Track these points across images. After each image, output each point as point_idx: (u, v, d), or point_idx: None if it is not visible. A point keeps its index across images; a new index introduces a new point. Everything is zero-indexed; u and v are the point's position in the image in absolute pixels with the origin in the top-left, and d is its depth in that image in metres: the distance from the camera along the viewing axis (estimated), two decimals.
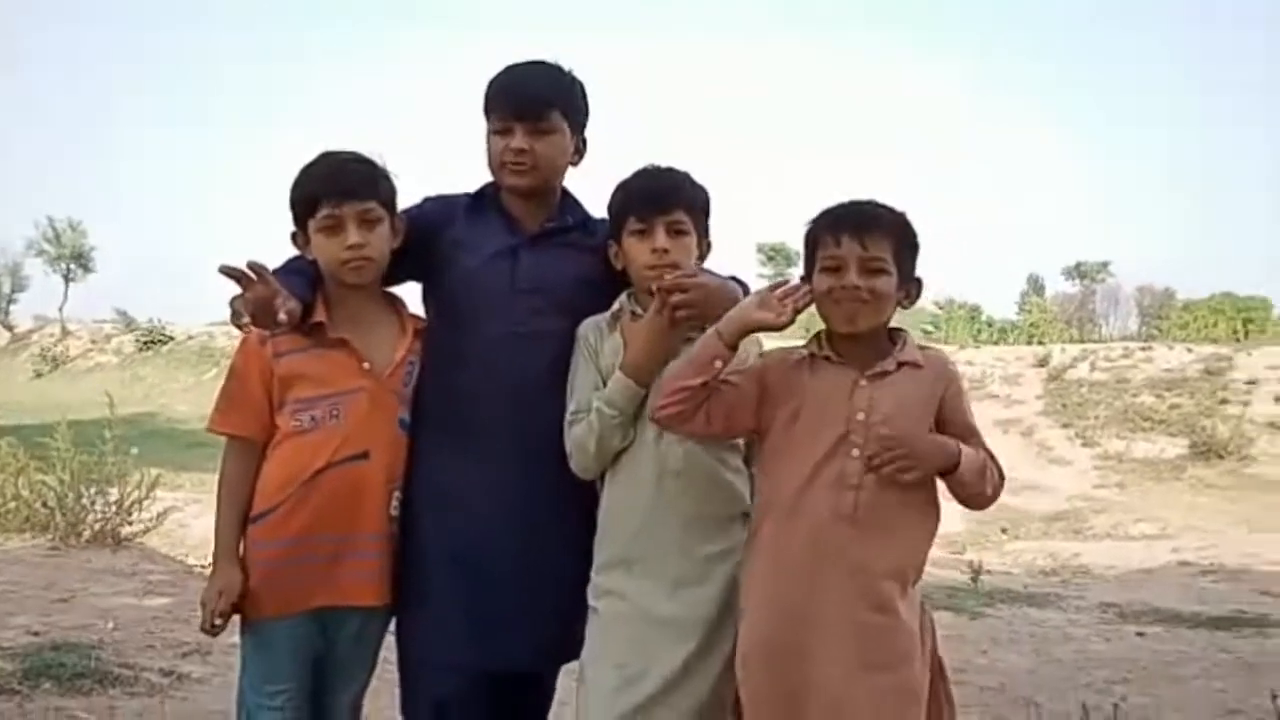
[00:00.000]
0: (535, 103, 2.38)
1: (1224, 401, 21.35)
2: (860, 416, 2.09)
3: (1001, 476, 2.17)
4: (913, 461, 2.05)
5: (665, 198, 2.28)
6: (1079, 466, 19.70)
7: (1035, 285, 53.26)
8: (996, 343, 33.45)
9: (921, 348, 2.21)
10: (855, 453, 2.08)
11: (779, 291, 2.13)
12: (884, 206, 2.15)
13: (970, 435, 2.16)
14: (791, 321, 2.16)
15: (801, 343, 2.24)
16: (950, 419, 2.15)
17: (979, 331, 37.53)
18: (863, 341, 2.15)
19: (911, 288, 2.18)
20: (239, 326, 2.20)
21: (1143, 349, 25.85)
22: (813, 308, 2.17)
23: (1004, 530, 14.50)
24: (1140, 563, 11.21)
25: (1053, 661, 5.77)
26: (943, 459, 2.07)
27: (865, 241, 2.08)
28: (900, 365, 2.14)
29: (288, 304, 2.18)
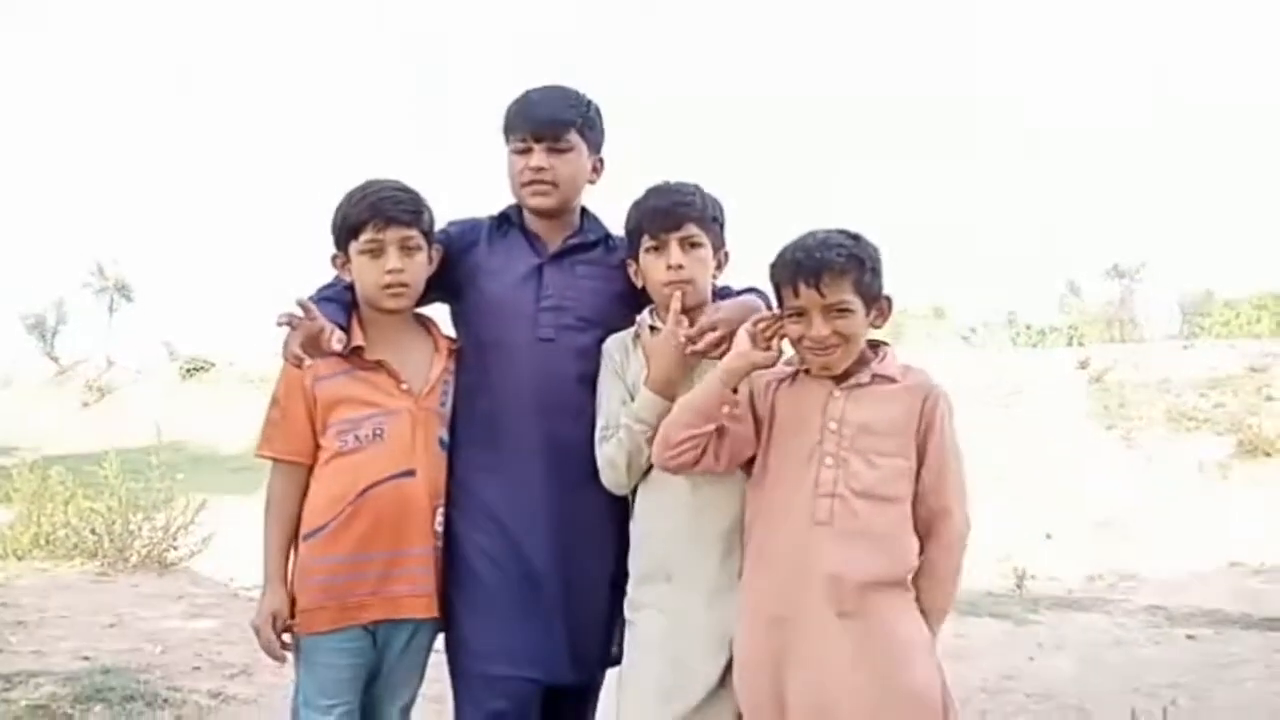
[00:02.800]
0: (553, 123, 2.45)
1: (1269, 399, 20.98)
2: (833, 426, 2.13)
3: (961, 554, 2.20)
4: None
5: (676, 214, 2.32)
6: (1123, 469, 19.41)
7: (1073, 287, 52.71)
8: (1036, 346, 33.10)
9: (908, 365, 2.22)
10: (830, 461, 2.12)
11: (760, 327, 2.17)
12: (836, 241, 2.13)
13: (944, 468, 2.16)
14: (780, 353, 2.21)
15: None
16: (927, 441, 2.16)
17: (1017, 335, 37.17)
18: None
19: (882, 305, 2.19)
20: (299, 366, 2.27)
21: (1185, 348, 25.48)
22: None
23: (1049, 536, 14.35)
24: (1188, 564, 11.03)
25: (1101, 667, 5.69)
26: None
27: (823, 289, 2.09)
28: (875, 378, 2.16)
29: (334, 333, 2.27)
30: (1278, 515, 14.94)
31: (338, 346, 2.28)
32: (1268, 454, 18.57)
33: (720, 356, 2.23)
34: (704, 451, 2.16)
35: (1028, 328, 39.27)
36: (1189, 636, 6.55)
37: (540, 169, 2.44)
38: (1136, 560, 11.77)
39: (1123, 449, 20.61)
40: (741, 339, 2.17)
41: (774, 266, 2.18)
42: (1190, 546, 12.50)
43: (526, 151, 2.45)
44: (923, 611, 2.15)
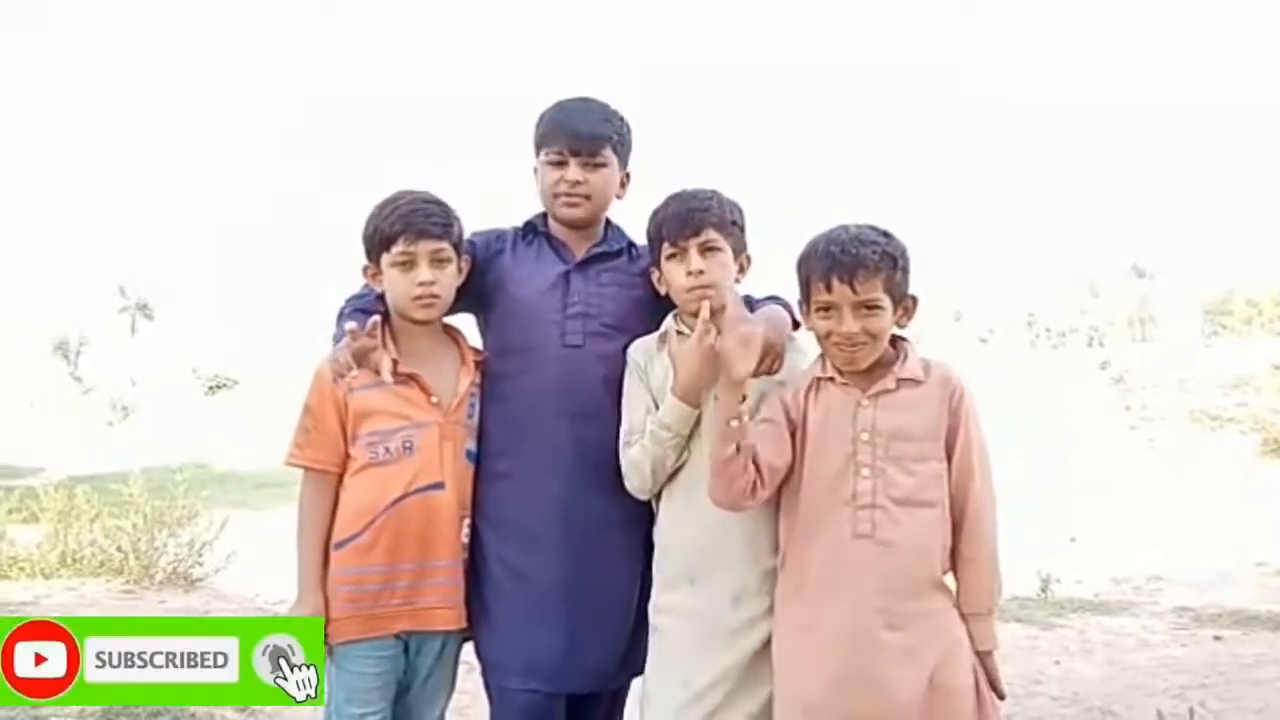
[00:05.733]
0: (592, 138, 2.48)
1: None
2: (865, 436, 2.13)
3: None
4: None
5: (694, 219, 2.33)
6: (1147, 469, 19.27)
7: (1093, 288, 52.47)
8: (1056, 348, 32.93)
9: (927, 361, 2.22)
10: (866, 472, 2.11)
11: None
12: (870, 238, 2.13)
13: (971, 464, 2.15)
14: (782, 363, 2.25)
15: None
16: (955, 438, 2.15)
17: (1037, 337, 36.99)
18: None
19: (908, 304, 2.19)
20: (342, 376, 2.33)
21: (1206, 347, 25.34)
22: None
23: (1073, 539, 14.25)
24: (1215, 565, 10.94)
25: (1127, 669, 5.64)
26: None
27: (856, 285, 2.09)
28: (900, 382, 2.16)
29: (386, 362, 2.32)
30: None
31: (387, 376, 2.31)
32: None
33: (765, 371, 2.25)
34: (749, 484, 2.12)
35: (1047, 330, 39.08)
36: (1216, 637, 6.49)
37: (576, 182, 2.47)
38: (1162, 562, 11.67)
39: (1146, 450, 20.47)
40: (734, 351, 2.14)
41: (804, 259, 2.19)
42: (1216, 547, 12.38)
43: (562, 164, 2.48)
44: (968, 615, 2.14)
